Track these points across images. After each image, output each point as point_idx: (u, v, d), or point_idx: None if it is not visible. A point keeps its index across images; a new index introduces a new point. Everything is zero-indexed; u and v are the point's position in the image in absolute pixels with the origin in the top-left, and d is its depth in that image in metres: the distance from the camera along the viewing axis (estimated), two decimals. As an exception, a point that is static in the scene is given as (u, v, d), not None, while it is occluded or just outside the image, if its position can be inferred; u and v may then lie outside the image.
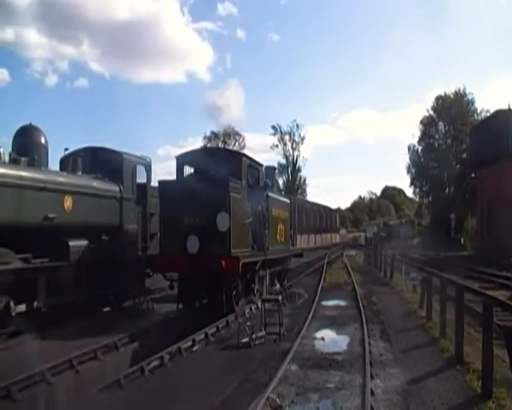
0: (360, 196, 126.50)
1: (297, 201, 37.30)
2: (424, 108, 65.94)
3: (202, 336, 10.66)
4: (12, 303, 9.83)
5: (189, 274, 12.73)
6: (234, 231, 12.73)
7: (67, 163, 13.10)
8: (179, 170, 14.46)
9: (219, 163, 13.36)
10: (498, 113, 36.45)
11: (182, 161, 14.58)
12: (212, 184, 12.51)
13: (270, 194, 15.93)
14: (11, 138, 11.79)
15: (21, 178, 10.41)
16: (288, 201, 19.70)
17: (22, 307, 10.17)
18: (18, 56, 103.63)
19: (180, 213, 12.73)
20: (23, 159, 10.94)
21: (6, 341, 9.60)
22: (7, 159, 10.71)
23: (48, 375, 7.66)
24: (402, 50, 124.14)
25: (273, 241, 16.12)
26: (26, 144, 11.46)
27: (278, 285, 18.22)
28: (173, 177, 14.38)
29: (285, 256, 18.68)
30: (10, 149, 11.29)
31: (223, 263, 12.19)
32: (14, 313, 9.87)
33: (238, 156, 14.88)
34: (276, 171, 28.91)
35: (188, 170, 14.70)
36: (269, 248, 15.40)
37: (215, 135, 74.81)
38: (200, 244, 12.44)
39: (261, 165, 16.28)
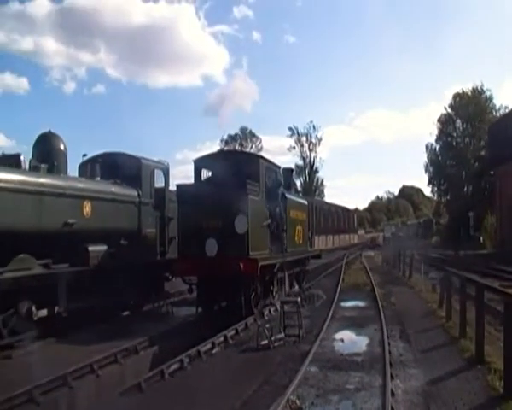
0: (378, 196, 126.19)
1: (314, 202, 37.23)
2: (442, 105, 65.66)
3: (221, 338, 10.70)
4: (34, 308, 9.98)
5: (208, 277, 12.79)
6: (252, 233, 12.73)
7: (86, 169, 13.26)
8: (197, 173, 14.48)
9: (237, 166, 13.36)
10: (517, 109, 36.04)
11: (199, 164, 14.59)
12: (230, 186, 12.58)
13: (287, 195, 15.91)
14: (31, 146, 11.99)
15: (41, 184, 10.56)
16: (305, 202, 19.73)
17: (44, 312, 10.29)
18: (37, 65, 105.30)
19: (198, 216, 12.72)
20: (43, 166, 11.09)
21: (28, 345, 9.73)
22: (27, 166, 10.90)
23: (69, 379, 7.76)
24: (419, 49, 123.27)
25: (291, 242, 16.10)
26: (46, 151, 11.61)
27: (297, 287, 18.15)
28: (191, 180, 14.41)
29: (303, 258, 18.61)
30: (30, 156, 11.49)
31: (241, 266, 12.17)
32: (35, 318, 10.01)
33: (256, 159, 14.86)
34: (294, 172, 28.85)
35: (205, 173, 14.70)
36: (287, 250, 15.33)
37: (232, 138, 75.20)
38: (219, 247, 12.45)
39: (279, 167, 16.22)
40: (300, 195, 27.24)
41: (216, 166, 14.08)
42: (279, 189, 15.17)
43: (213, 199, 12.48)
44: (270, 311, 13.96)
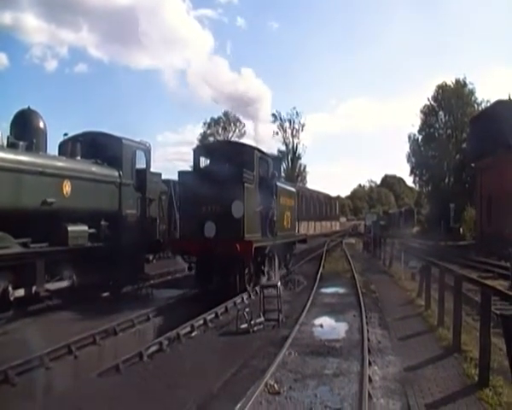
0: (360, 185, 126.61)
1: (297, 188, 37.19)
2: (424, 96, 65.88)
3: (201, 321, 10.70)
4: (10, 288, 9.80)
5: (207, 257, 13.73)
6: (247, 217, 13.84)
7: (66, 148, 13.01)
8: (196, 161, 15.44)
9: (234, 156, 14.63)
10: (498, 103, 36.34)
11: (198, 152, 15.69)
12: (228, 174, 13.52)
13: (278, 183, 17.05)
14: (9, 123, 11.70)
15: (20, 162, 10.34)
16: (293, 189, 21.08)
17: (21, 292, 10.13)
18: (17, 41, 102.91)
19: (198, 201, 13.71)
20: (21, 143, 10.84)
21: (5, 325, 9.60)
22: (5, 143, 10.61)
23: (46, 360, 7.66)
24: (402, 38, 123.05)
25: (281, 227, 17.19)
26: (25, 128, 11.37)
27: (284, 269, 18.90)
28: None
29: (291, 242, 19.73)
30: (8, 133, 11.21)
31: (237, 247, 13.18)
32: (12, 298, 9.85)
33: (251, 150, 15.64)
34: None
35: (203, 161, 15.61)
36: (277, 234, 16.41)
37: (215, 122, 74.73)
38: (217, 230, 13.49)
39: (270, 157, 17.47)
40: (282, 180, 27.32)
41: (214, 155, 15.32)
42: (270, 177, 16.36)
43: (212, 186, 13.14)
44: (250, 295, 14.01)
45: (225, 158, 14.38)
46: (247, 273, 14.44)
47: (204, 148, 16.49)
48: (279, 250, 17.37)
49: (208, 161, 15.60)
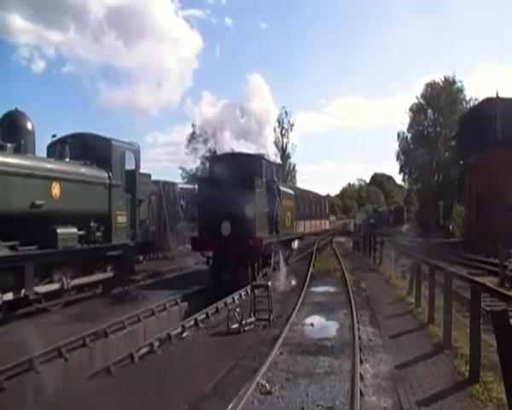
0: (349, 183, 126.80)
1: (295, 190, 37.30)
2: (413, 95, 66.01)
3: (192, 322, 10.67)
4: (-1, 291, 9.72)
5: (223, 252, 15.75)
6: (258, 218, 16.11)
7: (55, 149, 12.95)
8: (211, 169, 18.32)
9: (245, 164, 17.03)
10: (487, 101, 36.49)
11: (213, 162, 18.98)
12: (241, 181, 15.81)
13: (281, 187, 19.41)
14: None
15: (7, 164, 10.27)
16: (293, 192, 23.58)
17: (9, 296, 10.03)
18: (3, 41, 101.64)
19: (215, 203, 15.82)
20: (9, 145, 10.76)
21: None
22: (-7, 145, 10.52)
23: (36, 363, 7.59)
24: (391, 37, 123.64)
25: (283, 225, 19.57)
26: (12, 130, 11.28)
27: (284, 263, 20.04)
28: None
29: (291, 239, 22.43)
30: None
31: (250, 243, 15.38)
32: (0, 302, 9.75)
33: (259, 159, 18.22)
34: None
35: (218, 170, 17.46)
36: (280, 232, 18.75)
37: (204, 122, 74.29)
38: (232, 228, 15.60)
39: (275, 164, 20.57)
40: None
41: (228, 164, 17.21)
42: (274, 182, 18.59)
43: (228, 190, 15.17)
44: (241, 295, 14.02)
45: (238, 167, 16.71)
46: (257, 266, 16.52)
47: (219, 157, 19.45)
48: (282, 246, 19.73)
49: (222, 170, 17.16)
